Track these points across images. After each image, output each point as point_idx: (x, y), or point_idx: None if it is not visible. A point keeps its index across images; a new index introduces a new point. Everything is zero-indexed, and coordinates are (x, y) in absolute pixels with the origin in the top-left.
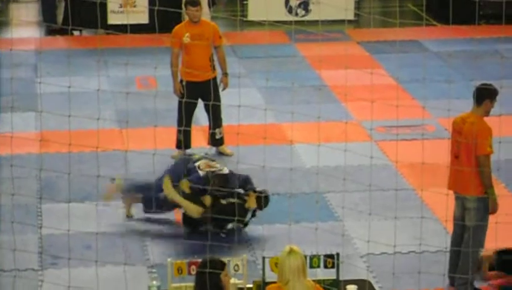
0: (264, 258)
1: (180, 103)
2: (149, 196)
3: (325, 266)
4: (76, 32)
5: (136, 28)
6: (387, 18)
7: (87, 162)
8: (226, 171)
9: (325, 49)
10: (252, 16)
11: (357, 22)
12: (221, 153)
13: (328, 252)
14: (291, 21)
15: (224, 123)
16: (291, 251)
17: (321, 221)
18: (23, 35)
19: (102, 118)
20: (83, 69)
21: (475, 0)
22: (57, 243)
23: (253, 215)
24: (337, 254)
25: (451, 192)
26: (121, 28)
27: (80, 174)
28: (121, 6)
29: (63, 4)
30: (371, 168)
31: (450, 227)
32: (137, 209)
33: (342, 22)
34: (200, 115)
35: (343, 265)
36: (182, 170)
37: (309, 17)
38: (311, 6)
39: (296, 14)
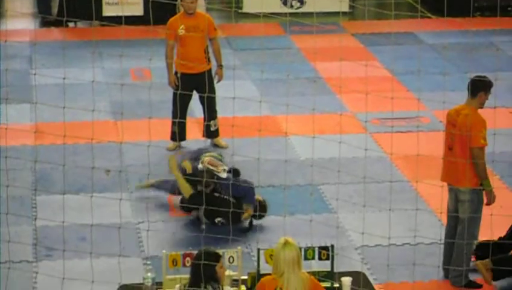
0: (258, 250)
1: (175, 94)
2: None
3: (320, 258)
4: (71, 24)
5: (131, 20)
6: (382, 10)
7: (82, 154)
8: (223, 175)
9: (320, 41)
10: (247, 8)
11: (351, 14)
12: (216, 145)
13: (323, 244)
14: (286, 13)
15: (219, 115)
16: (286, 243)
17: (316, 213)
18: (17, 27)
19: (97, 109)
20: (77, 60)
21: None
22: (52, 234)
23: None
24: (332, 246)
25: (446, 184)
26: (116, 20)
27: (74, 165)
28: None
29: None
30: (366, 160)
31: (445, 219)
32: (131, 203)
33: (336, 13)
34: (195, 107)
35: (338, 257)
36: (192, 154)
37: (304, 9)
38: None
39: (291, 6)
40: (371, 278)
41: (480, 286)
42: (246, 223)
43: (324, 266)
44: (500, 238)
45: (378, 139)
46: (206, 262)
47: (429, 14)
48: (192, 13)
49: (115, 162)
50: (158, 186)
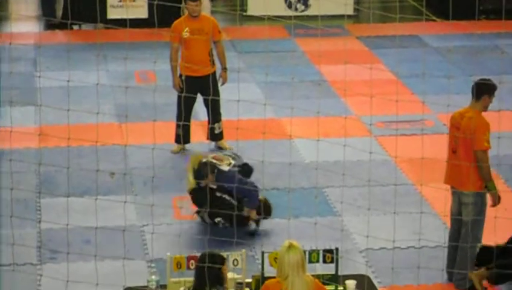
0: (263, 253)
1: (179, 97)
2: None
3: (324, 261)
4: (75, 27)
5: (136, 23)
6: (386, 13)
7: (86, 157)
8: (225, 168)
9: (325, 44)
10: (251, 11)
11: (356, 17)
12: (220, 148)
13: (327, 247)
14: (290, 16)
15: (224, 118)
16: (290, 246)
17: (320, 216)
18: (22, 30)
19: (102, 112)
20: (82, 63)
21: None
22: (56, 237)
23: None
24: (336, 249)
25: (450, 187)
26: (121, 23)
27: (79, 168)
28: (120, 1)
29: None
30: (370, 163)
31: (449, 222)
32: (136, 205)
33: (341, 16)
34: (200, 110)
35: (342, 260)
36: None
37: (308, 12)
38: (310, 1)
39: (296, 9)
40: (375, 281)
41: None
42: (252, 225)
43: (329, 269)
44: (498, 246)
45: (382, 142)
46: (211, 265)
47: (434, 17)
48: (197, 16)
49: (119, 164)
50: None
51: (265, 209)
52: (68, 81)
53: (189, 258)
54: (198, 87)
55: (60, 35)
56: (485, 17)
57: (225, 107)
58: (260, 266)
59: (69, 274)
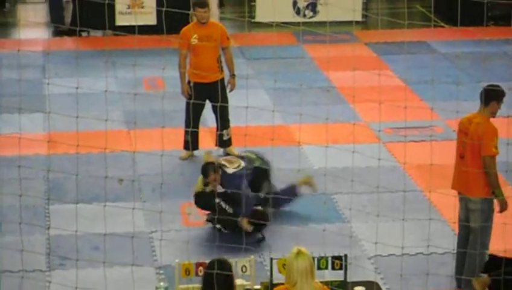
0: (271, 259)
1: (187, 104)
2: None
3: (333, 268)
4: (84, 33)
5: (144, 29)
6: (395, 19)
7: (95, 163)
8: (229, 171)
9: (333, 50)
10: (259, 17)
11: (364, 23)
12: (228, 155)
13: (336, 254)
14: (299, 22)
15: (232, 124)
16: (299, 253)
17: (329, 222)
18: (31, 36)
19: (110, 119)
20: (90, 70)
21: (483, 1)
22: (65, 244)
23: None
24: (345, 256)
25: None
26: (129, 29)
27: (87, 175)
28: (128, 8)
29: (70, 5)
30: (379, 169)
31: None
32: (145, 212)
33: (349, 23)
34: (208, 116)
35: (351, 267)
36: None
37: (317, 18)
38: (318, 8)
39: (304, 16)
40: (384, 288)
41: None
42: (258, 235)
43: (337, 275)
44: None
45: (391, 148)
46: (220, 272)
47: (442, 24)
48: (205, 22)
49: (128, 171)
50: None
51: (259, 218)
52: (77, 88)
53: (197, 265)
54: (206, 94)
55: (68, 42)
56: (493, 23)
57: (233, 113)
58: (269, 273)
59: (78, 281)
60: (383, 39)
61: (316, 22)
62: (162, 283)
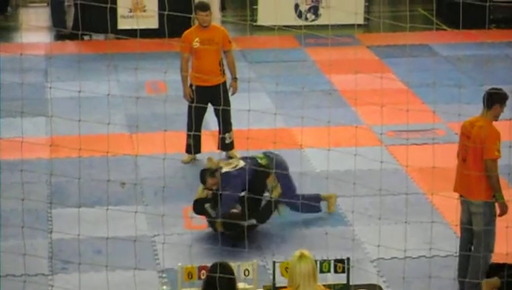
0: (274, 263)
1: (190, 107)
2: None
3: (336, 271)
4: (86, 37)
5: (146, 33)
6: (397, 22)
7: (97, 167)
8: (223, 171)
9: (335, 53)
10: (261, 21)
11: (366, 26)
12: (231, 158)
13: (339, 257)
14: (301, 25)
15: (234, 128)
16: (301, 256)
17: (331, 226)
18: (33, 40)
19: (113, 122)
20: (92, 73)
21: (485, 4)
22: (67, 248)
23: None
24: (348, 259)
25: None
26: (131, 33)
27: (90, 179)
28: (130, 11)
29: (72, 9)
30: (381, 172)
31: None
32: (147, 215)
33: (351, 26)
34: (210, 120)
35: (354, 270)
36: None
37: (319, 22)
38: (320, 11)
39: (306, 19)
40: None
41: None
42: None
43: (340, 278)
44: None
45: (393, 151)
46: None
47: (444, 27)
48: (207, 26)
49: (130, 175)
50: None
51: (229, 224)
52: (79, 91)
53: (200, 269)
54: (208, 97)
55: (70, 46)
56: (495, 26)
57: (235, 117)
58: (271, 276)
59: (81, 285)
60: (385, 42)
61: (318, 25)
62: (164, 287)
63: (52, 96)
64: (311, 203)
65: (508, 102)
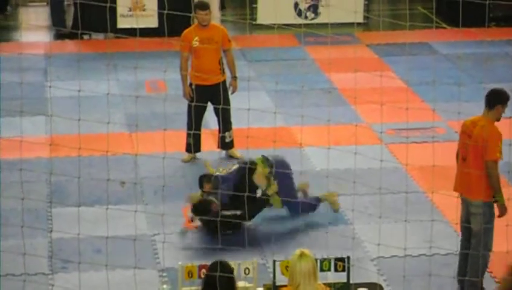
0: (274, 261)
1: (189, 106)
2: None
3: (336, 270)
4: (85, 36)
5: (146, 32)
6: (396, 20)
7: (97, 166)
8: (215, 174)
9: (335, 52)
10: (261, 19)
11: (366, 25)
12: (231, 157)
13: (339, 256)
14: (300, 24)
15: (234, 126)
16: (301, 255)
17: (331, 224)
18: (32, 40)
19: (112, 121)
20: (92, 73)
21: (485, 2)
22: (67, 247)
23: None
24: (348, 257)
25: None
26: (131, 32)
27: (89, 178)
28: (130, 10)
29: (72, 8)
30: (381, 171)
31: (460, 230)
32: (147, 215)
33: (351, 24)
34: (210, 119)
35: (354, 268)
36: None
37: (318, 20)
38: (320, 9)
39: (306, 17)
40: None
41: None
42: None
43: (340, 277)
44: None
45: (393, 150)
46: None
47: (444, 25)
48: (207, 25)
49: (130, 174)
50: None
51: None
52: (78, 90)
53: (200, 267)
54: (208, 96)
55: (70, 45)
56: (495, 24)
57: (235, 115)
58: (271, 275)
59: (81, 284)
60: (385, 40)
61: (317, 24)
62: (165, 286)
63: (51, 95)
64: (311, 203)
65: (508, 102)
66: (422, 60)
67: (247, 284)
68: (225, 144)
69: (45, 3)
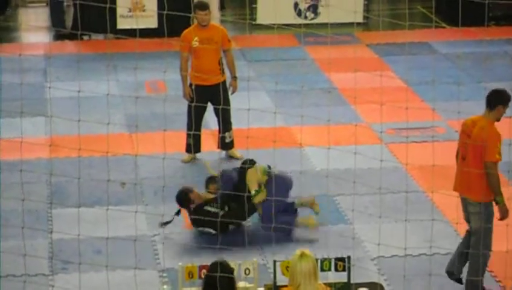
0: (275, 261)
1: (189, 106)
2: None
3: (336, 269)
4: (85, 37)
5: (145, 33)
6: (396, 20)
7: (97, 167)
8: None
9: (334, 51)
10: (261, 19)
11: (366, 25)
12: (231, 157)
13: (339, 255)
14: (300, 24)
15: (234, 127)
16: (302, 255)
17: (331, 224)
18: (32, 40)
19: (112, 122)
20: (92, 73)
21: (484, 1)
22: (68, 248)
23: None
24: (348, 257)
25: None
26: (130, 33)
27: (90, 178)
28: (130, 11)
29: (72, 9)
30: (381, 170)
31: (461, 229)
32: (147, 215)
33: (351, 24)
34: (210, 119)
35: (354, 268)
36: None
37: (318, 20)
38: (320, 9)
39: (305, 17)
40: (387, 289)
41: None
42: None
43: (341, 277)
44: None
45: (393, 149)
46: (222, 274)
47: (443, 24)
48: (206, 25)
49: (130, 174)
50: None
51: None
52: (78, 91)
53: (201, 268)
54: (208, 96)
55: (69, 46)
56: (494, 24)
57: (235, 116)
58: (272, 275)
59: (81, 285)
60: (384, 40)
61: (317, 24)
62: (165, 286)
63: (51, 96)
64: (285, 224)
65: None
66: (422, 60)
67: (248, 285)
68: (225, 145)
69: (45, 4)
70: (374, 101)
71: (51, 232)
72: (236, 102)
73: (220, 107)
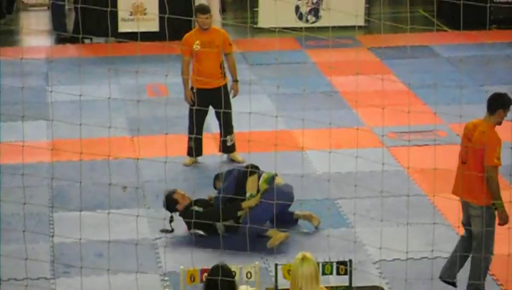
0: (276, 265)
1: (191, 110)
2: None
3: (338, 273)
4: (86, 41)
5: (147, 36)
6: (397, 24)
7: (98, 171)
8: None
9: (336, 55)
10: (262, 23)
11: (367, 28)
12: (232, 160)
13: (341, 259)
14: (301, 27)
15: (236, 130)
16: (303, 258)
17: (333, 228)
18: (33, 44)
19: (114, 126)
20: (93, 77)
21: (486, 5)
22: (69, 251)
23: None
24: (350, 261)
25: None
26: (132, 36)
27: (91, 182)
28: (131, 14)
29: (73, 12)
30: (383, 174)
31: (463, 233)
32: (149, 219)
33: (352, 28)
34: (211, 122)
35: (356, 272)
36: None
37: (319, 24)
38: (321, 13)
39: (307, 21)
40: None
41: None
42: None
43: (342, 281)
44: None
45: (395, 153)
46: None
47: (445, 28)
48: (207, 29)
49: (131, 178)
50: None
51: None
52: (80, 95)
53: (202, 271)
54: (209, 100)
55: (71, 49)
56: (496, 27)
57: (237, 119)
58: (273, 279)
59: (83, 288)
60: (386, 44)
61: (318, 27)
62: None
63: (53, 100)
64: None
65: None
66: (424, 63)
67: (250, 288)
68: (227, 148)
69: (46, 8)
70: (376, 104)
71: (53, 235)
72: (238, 105)
73: (222, 110)
